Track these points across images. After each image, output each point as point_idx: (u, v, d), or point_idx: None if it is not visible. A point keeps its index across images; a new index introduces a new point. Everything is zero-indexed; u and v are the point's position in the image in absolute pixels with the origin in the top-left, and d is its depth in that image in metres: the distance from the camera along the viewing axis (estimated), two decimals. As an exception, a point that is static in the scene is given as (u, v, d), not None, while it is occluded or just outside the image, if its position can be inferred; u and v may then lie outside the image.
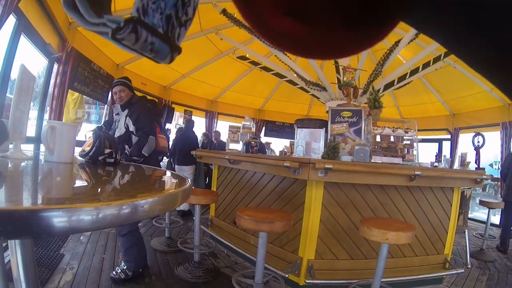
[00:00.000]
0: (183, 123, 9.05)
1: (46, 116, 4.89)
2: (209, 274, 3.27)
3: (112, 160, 1.59)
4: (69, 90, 5.41)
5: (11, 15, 3.20)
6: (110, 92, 3.31)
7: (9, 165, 1.10)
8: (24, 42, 3.97)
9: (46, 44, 4.43)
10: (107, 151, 1.58)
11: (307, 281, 2.96)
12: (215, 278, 3.23)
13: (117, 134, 3.23)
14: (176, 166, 5.91)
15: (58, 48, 4.85)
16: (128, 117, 3.21)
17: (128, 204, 0.62)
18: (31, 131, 4.09)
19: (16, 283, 1.05)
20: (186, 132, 6.28)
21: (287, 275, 3.00)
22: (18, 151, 1.26)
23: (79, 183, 1.08)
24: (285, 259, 3.22)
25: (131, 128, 3.19)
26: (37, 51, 4.44)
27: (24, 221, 0.48)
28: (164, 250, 3.88)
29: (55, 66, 4.95)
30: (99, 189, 0.94)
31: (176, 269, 3.34)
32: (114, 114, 3.39)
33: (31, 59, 4.52)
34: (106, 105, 7.53)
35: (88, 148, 1.57)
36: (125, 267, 2.98)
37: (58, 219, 0.50)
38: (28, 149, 3.03)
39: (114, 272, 2.98)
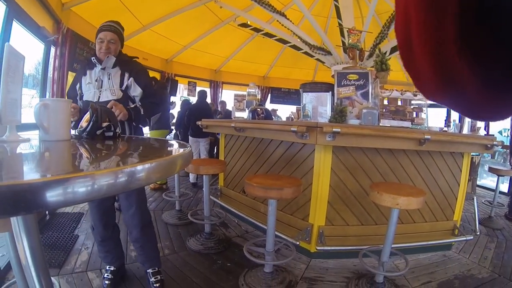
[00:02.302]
0: (188, 95, 8.98)
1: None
2: (220, 244, 3.29)
3: (111, 134, 1.53)
4: (69, 72, 5.34)
5: (0, 2, 3.09)
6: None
7: (5, 149, 1.06)
8: (17, 28, 3.87)
9: (40, 27, 4.33)
10: (104, 124, 1.52)
11: (318, 247, 2.97)
12: (227, 248, 3.25)
13: (103, 98, 2.34)
14: (190, 138, 5.88)
15: (53, 31, 4.75)
16: (128, 77, 2.43)
17: (124, 170, 0.60)
18: (32, 118, 4.04)
19: (25, 269, 1.04)
20: (200, 103, 6.18)
21: (298, 242, 3.01)
22: (13, 134, 1.21)
23: (75, 158, 1.05)
24: (295, 226, 3.22)
25: (134, 92, 2.46)
26: (32, 36, 4.34)
27: (17, 196, 0.45)
28: (175, 223, 3.90)
29: (52, 49, 4.85)
30: (96, 162, 0.92)
31: (188, 241, 3.37)
32: (87, 71, 2.39)
33: (27, 45, 4.42)
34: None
35: (86, 124, 1.52)
36: (157, 268, 2.58)
37: (53, 191, 0.48)
38: (28, 134, 3.01)
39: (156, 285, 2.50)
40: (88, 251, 3.04)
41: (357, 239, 3.10)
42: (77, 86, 2.40)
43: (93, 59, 2.35)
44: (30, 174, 0.66)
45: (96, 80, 2.35)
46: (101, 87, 2.36)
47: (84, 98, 2.35)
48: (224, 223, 3.93)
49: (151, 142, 1.51)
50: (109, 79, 2.38)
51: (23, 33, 4.10)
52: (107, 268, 2.56)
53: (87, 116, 1.57)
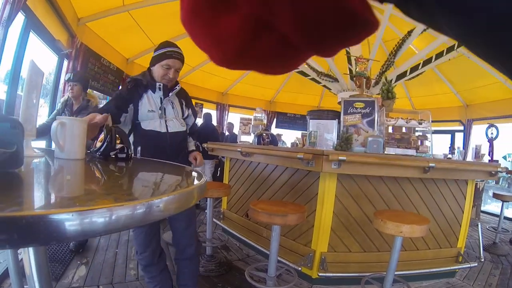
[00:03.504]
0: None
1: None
2: (221, 267, 3.28)
3: (124, 156, 1.53)
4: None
5: (19, 12, 3.21)
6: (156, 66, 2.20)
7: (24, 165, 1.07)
8: (33, 40, 4.00)
9: (56, 40, 4.46)
10: (118, 146, 1.53)
11: (320, 274, 2.96)
12: (228, 271, 3.24)
13: (173, 129, 2.27)
14: None
15: (67, 44, 4.87)
16: (186, 106, 2.40)
17: (143, 204, 0.59)
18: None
19: (28, 280, 1.04)
20: (206, 125, 6.24)
21: (300, 268, 3.00)
22: (29, 148, 1.22)
23: (90, 181, 1.04)
24: (298, 251, 3.21)
25: (189, 121, 2.45)
26: (46, 47, 4.47)
27: (31, 228, 0.43)
28: (176, 243, 3.90)
29: (65, 62, 4.97)
30: (110, 188, 0.89)
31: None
32: (143, 94, 2.21)
33: (41, 56, 4.56)
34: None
35: (100, 144, 1.54)
36: None
37: (68, 223, 0.47)
38: (39, 145, 3.05)
39: None
40: (86, 266, 3.03)
41: (360, 266, 3.09)
42: (130, 107, 2.15)
43: (159, 85, 2.22)
44: (41, 202, 0.64)
45: (159, 108, 2.22)
46: (165, 116, 2.24)
47: (148, 128, 2.17)
48: (225, 246, 3.92)
49: (164, 167, 1.53)
50: (173, 108, 2.30)
51: (39, 44, 4.24)
52: None
53: (101, 136, 1.58)
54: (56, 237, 0.46)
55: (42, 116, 4.75)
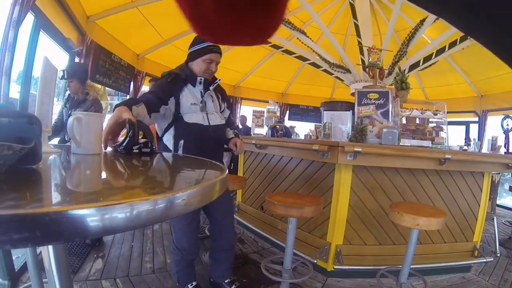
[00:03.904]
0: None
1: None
2: (237, 260, 3.28)
3: (148, 150, 1.52)
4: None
5: (29, 12, 3.23)
6: (197, 61, 2.22)
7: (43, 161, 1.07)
8: (44, 39, 4.03)
9: (66, 39, 4.50)
10: (142, 140, 1.52)
11: (335, 266, 2.95)
12: (243, 264, 3.24)
13: (214, 122, 2.31)
14: None
15: (78, 42, 4.92)
16: (222, 100, 2.46)
17: (165, 198, 0.58)
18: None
19: (48, 274, 1.04)
20: None
21: (315, 261, 2.99)
22: (45, 144, 1.22)
23: (109, 176, 1.03)
24: (313, 244, 3.20)
25: (225, 114, 2.50)
26: (57, 46, 4.50)
27: (54, 225, 0.42)
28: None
29: (76, 60, 5.00)
30: (130, 183, 0.89)
31: (204, 256, 3.38)
32: (184, 87, 2.22)
33: (53, 55, 4.60)
34: (128, 96, 7.57)
35: (122, 138, 1.53)
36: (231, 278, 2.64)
37: (90, 219, 0.46)
38: (53, 141, 3.08)
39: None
40: (103, 260, 3.08)
41: (375, 259, 3.07)
42: (171, 100, 2.14)
43: (200, 79, 2.24)
44: (62, 198, 0.61)
45: (200, 102, 2.25)
46: (206, 110, 2.28)
47: (191, 121, 2.19)
48: (241, 239, 3.93)
49: (185, 161, 1.52)
50: (212, 101, 2.35)
51: (49, 43, 4.28)
52: (190, 286, 2.48)
53: (123, 131, 1.58)
54: (79, 234, 0.45)
55: (55, 114, 4.81)
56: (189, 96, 2.21)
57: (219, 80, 2.35)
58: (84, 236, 0.46)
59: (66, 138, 3.39)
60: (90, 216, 0.46)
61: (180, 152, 2.16)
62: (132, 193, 0.66)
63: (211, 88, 2.32)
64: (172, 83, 2.19)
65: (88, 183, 0.83)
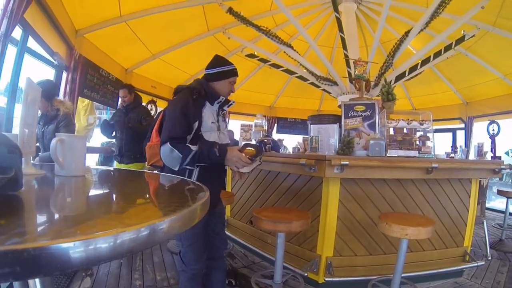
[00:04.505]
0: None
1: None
2: (227, 275, 3.26)
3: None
4: (79, 97, 5.46)
5: (17, 26, 3.22)
6: (222, 81, 2.24)
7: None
8: (33, 51, 4.01)
9: (54, 53, 4.48)
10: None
11: (326, 279, 2.95)
12: (233, 279, 3.22)
13: (224, 142, 2.33)
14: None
15: (66, 56, 4.89)
16: (223, 120, 2.41)
17: (147, 227, 0.59)
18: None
19: None
20: None
21: (306, 274, 2.99)
22: (28, 166, 1.22)
23: (91, 202, 1.01)
24: (303, 257, 3.20)
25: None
26: (41, 62, 4.45)
27: (34, 260, 0.43)
28: (181, 252, 3.88)
29: (64, 74, 4.98)
30: (112, 210, 0.88)
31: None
32: (203, 107, 2.19)
33: (40, 70, 4.56)
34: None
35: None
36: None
37: (72, 252, 0.46)
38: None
39: None
40: (91, 278, 3.03)
41: (366, 269, 3.07)
42: (196, 123, 2.11)
43: (221, 99, 2.23)
44: (58, 229, 0.61)
45: (217, 121, 2.26)
46: (220, 129, 2.29)
47: (211, 139, 2.17)
48: (230, 254, 3.90)
49: (165, 183, 1.51)
50: (223, 121, 2.37)
51: (37, 56, 4.25)
52: None
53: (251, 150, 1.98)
54: (60, 267, 0.45)
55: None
56: (210, 114, 2.20)
57: (233, 102, 2.36)
58: (65, 269, 0.46)
59: (40, 153, 3.35)
60: (70, 249, 0.46)
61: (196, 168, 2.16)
62: (111, 223, 0.66)
63: (226, 108, 2.35)
64: (197, 102, 2.15)
65: (69, 212, 0.82)
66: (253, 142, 2.83)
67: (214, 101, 2.22)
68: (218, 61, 2.31)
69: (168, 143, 1.93)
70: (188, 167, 2.00)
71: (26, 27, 3.65)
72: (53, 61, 4.61)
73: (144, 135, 3.49)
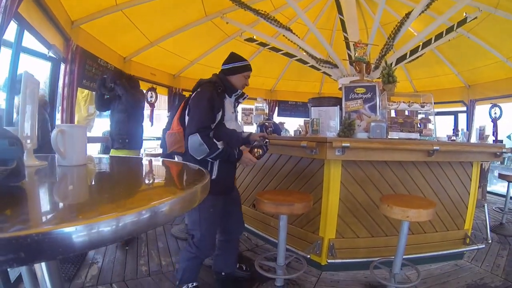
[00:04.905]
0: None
1: (58, 116, 4.91)
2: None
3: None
4: (78, 88, 5.43)
5: (11, 21, 3.18)
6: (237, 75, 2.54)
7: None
8: (29, 44, 3.98)
9: (51, 45, 4.43)
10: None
11: (329, 260, 2.98)
12: (237, 262, 3.25)
13: (238, 129, 2.62)
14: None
15: (63, 48, 4.84)
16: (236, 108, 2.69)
17: (148, 209, 0.60)
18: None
19: (41, 283, 1.04)
20: None
21: (309, 256, 3.01)
22: (30, 158, 1.23)
23: (93, 189, 1.04)
24: (306, 239, 3.23)
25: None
26: (36, 57, 4.39)
27: (37, 245, 0.44)
28: (185, 238, 3.90)
29: (62, 66, 4.94)
30: (114, 195, 0.90)
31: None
32: (223, 99, 2.45)
33: (37, 63, 4.52)
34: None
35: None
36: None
37: (74, 236, 0.48)
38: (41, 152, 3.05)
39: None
40: (98, 265, 3.07)
41: (368, 251, 3.10)
42: (220, 113, 2.35)
43: (239, 92, 2.54)
44: (60, 216, 0.64)
45: (235, 112, 2.58)
46: (236, 120, 2.61)
47: (231, 127, 2.47)
48: (234, 237, 3.92)
49: (166, 167, 1.51)
50: (238, 112, 2.66)
51: (33, 49, 4.21)
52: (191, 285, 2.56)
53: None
54: (62, 252, 0.47)
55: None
56: (229, 105, 2.48)
57: (247, 96, 2.63)
58: (68, 252, 0.47)
59: None
60: (72, 234, 0.48)
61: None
62: (113, 208, 0.67)
63: (241, 100, 2.62)
64: (221, 94, 2.41)
65: (71, 198, 0.84)
66: (244, 129, 2.90)
67: (232, 94, 2.50)
68: (233, 57, 2.60)
69: (198, 135, 2.16)
70: (209, 159, 2.27)
71: (21, 22, 3.60)
72: (46, 53, 4.54)
73: (133, 116, 3.61)
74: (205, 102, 2.27)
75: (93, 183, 1.16)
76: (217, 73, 2.58)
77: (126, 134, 3.85)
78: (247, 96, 2.62)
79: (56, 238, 0.46)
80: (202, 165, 2.12)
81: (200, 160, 2.26)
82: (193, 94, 2.42)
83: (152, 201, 0.64)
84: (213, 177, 2.35)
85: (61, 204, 0.76)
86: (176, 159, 2.60)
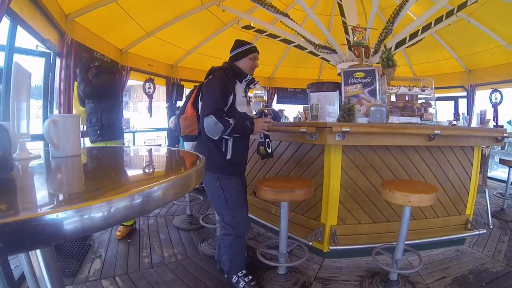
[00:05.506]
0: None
1: (56, 111, 4.86)
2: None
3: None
4: (75, 82, 5.38)
5: (4, 17, 3.13)
6: (243, 59, 2.58)
7: (17, 169, 1.04)
8: (21, 41, 3.90)
9: (45, 40, 4.36)
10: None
11: (330, 247, 2.97)
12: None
13: (249, 113, 2.70)
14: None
15: (57, 42, 4.76)
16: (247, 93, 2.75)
17: (140, 193, 0.59)
18: (39, 129, 3.98)
19: (40, 281, 1.03)
20: None
21: (310, 243, 3.00)
22: (23, 151, 1.20)
23: (87, 177, 1.03)
24: (307, 226, 3.22)
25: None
26: (25, 56, 4.31)
27: (15, 234, 0.43)
28: (187, 228, 3.92)
29: (58, 60, 4.87)
30: (107, 181, 0.89)
31: (200, 246, 3.39)
32: (234, 84, 2.52)
33: (32, 58, 4.45)
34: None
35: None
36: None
37: (68, 221, 0.47)
38: (37, 146, 3.01)
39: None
40: (101, 259, 3.07)
41: (370, 237, 3.10)
42: (231, 97, 2.45)
43: (248, 77, 2.60)
44: (45, 203, 0.64)
45: (245, 96, 2.64)
46: (248, 104, 2.71)
47: (243, 110, 2.54)
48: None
49: (161, 153, 1.50)
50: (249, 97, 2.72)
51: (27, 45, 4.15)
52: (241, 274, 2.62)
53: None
54: (55, 238, 0.46)
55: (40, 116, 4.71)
56: (241, 90, 2.56)
57: (257, 81, 2.75)
58: (59, 239, 0.47)
59: None
60: (64, 219, 0.47)
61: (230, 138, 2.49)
62: (105, 194, 0.65)
63: (252, 86, 2.71)
64: (231, 79, 2.50)
65: (64, 188, 0.82)
66: (254, 112, 2.86)
67: (242, 79, 2.58)
68: (237, 43, 2.68)
69: (212, 116, 2.28)
70: (225, 136, 2.37)
71: (14, 17, 3.54)
72: (36, 49, 4.45)
73: (103, 105, 3.61)
74: (217, 88, 2.39)
75: (87, 172, 1.14)
76: (227, 61, 2.67)
77: (97, 126, 3.58)
78: (257, 81, 2.73)
79: (36, 226, 0.45)
80: (216, 146, 2.47)
81: (216, 140, 2.42)
82: (206, 81, 2.53)
83: (144, 185, 0.62)
84: (228, 157, 2.48)
85: (53, 193, 0.75)
86: (185, 147, 2.90)
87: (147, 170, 1.12)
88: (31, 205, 0.60)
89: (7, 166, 0.75)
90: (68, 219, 0.47)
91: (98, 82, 3.66)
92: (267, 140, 2.62)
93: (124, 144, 4.55)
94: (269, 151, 2.64)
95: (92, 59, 3.91)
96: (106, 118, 3.59)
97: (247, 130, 2.42)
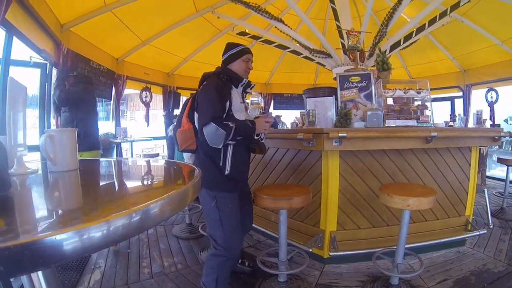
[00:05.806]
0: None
1: (53, 121, 4.85)
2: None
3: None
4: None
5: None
6: (238, 60, 2.47)
7: (15, 185, 1.04)
8: (16, 52, 3.91)
9: (41, 50, 4.37)
10: None
11: (331, 253, 2.96)
12: (240, 259, 3.24)
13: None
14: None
15: (53, 52, 4.77)
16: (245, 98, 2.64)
17: (138, 211, 0.59)
18: (36, 140, 3.94)
19: None
20: None
21: (310, 249, 3.00)
22: (20, 165, 1.20)
23: (84, 194, 1.02)
24: (307, 233, 3.21)
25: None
26: (19, 67, 4.31)
27: (16, 258, 0.43)
28: (186, 237, 3.90)
29: (54, 70, 4.87)
30: (103, 199, 0.89)
31: (200, 255, 3.37)
32: (230, 90, 2.39)
33: (28, 69, 4.47)
34: (111, 101, 7.46)
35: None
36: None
37: (67, 242, 0.47)
38: (34, 158, 2.99)
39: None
40: (101, 270, 3.05)
41: (370, 241, 3.09)
42: (227, 103, 2.32)
43: (245, 80, 2.47)
44: (44, 224, 0.63)
45: (243, 102, 2.53)
46: (246, 110, 2.57)
47: (241, 118, 2.40)
48: (235, 234, 3.91)
49: (157, 167, 1.49)
50: (242, 103, 2.53)
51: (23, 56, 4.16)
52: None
53: None
54: (55, 260, 0.46)
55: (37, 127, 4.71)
56: (237, 96, 2.43)
57: (254, 85, 2.60)
58: (50, 263, 0.47)
59: None
60: (64, 241, 0.47)
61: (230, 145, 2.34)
62: (103, 213, 0.65)
63: (248, 90, 2.57)
64: (226, 84, 2.38)
65: (62, 205, 0.82)
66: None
67: (238, 84, 2.45)
68: (229, 45, 2.56)
69: (212, 123, 2.13)
70: (230, 142, 2.23)
71: (10, 28, 3.55)
72: (30, 60, 4.45)
73: (74, 114, 3.59)
74: (212, 94, 2.25)
75: (84, 188, 1.13)
76: (219, 66, 2.56)
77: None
78: (254, 85, 2.60)
79: (38, 249, 0.45)
80: (213, 162, 2.31)
81: (213, 155, 2.30)
82: (200, 89, 2.41)
83: (142, 203, 0.63)
84: (227, 172, 2.30)
85: (51, 212, 0.74)
86: (185, 160, 2.70)
87: (144, 185, 1.11)
88: (30, 227, 0.60)
89: (4, 184, 0.75)
90: (67, 240, 0.47)
91: (74, 90, 3.68)
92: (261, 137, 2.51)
93: (101, 156, 4.35)
94: (263, 141, 2.52)
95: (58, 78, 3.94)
96: (81, 128, 3.43)
97: (248, 130, 2.28)
